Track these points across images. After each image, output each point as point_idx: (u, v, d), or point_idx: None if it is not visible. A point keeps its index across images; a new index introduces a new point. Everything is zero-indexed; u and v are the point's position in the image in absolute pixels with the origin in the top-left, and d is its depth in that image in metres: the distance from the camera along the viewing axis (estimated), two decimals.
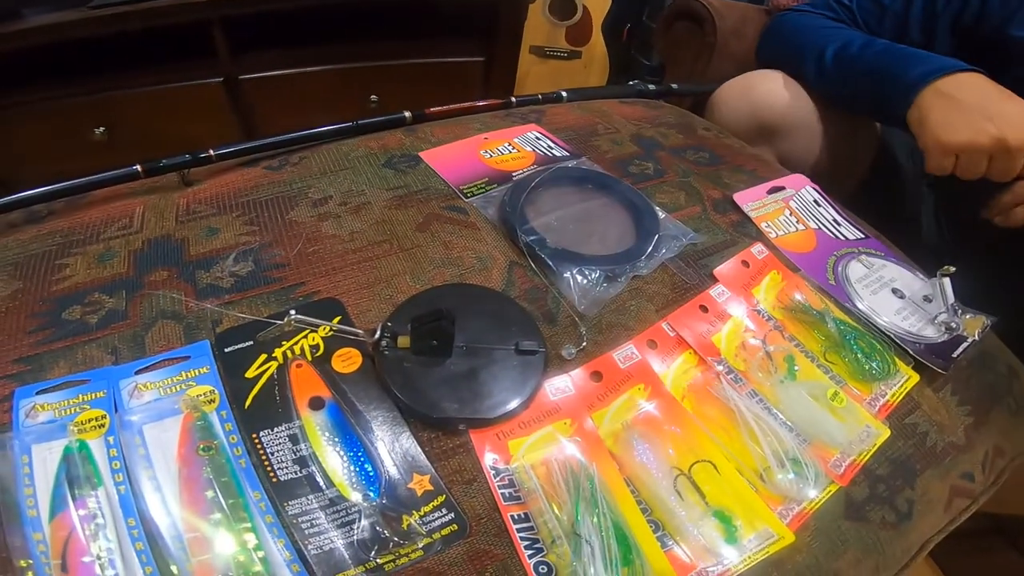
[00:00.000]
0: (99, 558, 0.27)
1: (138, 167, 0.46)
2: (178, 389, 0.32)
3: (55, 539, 0.28)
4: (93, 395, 0.31)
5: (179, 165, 0.47)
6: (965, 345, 0.44)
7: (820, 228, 0.51)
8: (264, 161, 0.51)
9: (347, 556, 0.28)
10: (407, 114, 0.58)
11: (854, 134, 0.67)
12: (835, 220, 0.52)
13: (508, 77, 1.33)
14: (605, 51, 1.63)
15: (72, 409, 0.31)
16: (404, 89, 1.22)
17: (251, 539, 0.28)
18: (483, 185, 0.48)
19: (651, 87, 0.75)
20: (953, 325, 0.45)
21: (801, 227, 0.50)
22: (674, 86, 0.80)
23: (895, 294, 0.46)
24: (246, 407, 0.32)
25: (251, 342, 0.34)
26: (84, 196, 0.46)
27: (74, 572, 0.27)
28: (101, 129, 1.09)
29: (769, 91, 0.65)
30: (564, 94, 0.68)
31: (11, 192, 0.44)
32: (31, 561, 0.27)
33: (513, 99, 0.65)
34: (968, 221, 0.59)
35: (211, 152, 0.49)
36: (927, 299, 0.46)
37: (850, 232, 0.51)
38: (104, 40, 1.02)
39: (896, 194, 0.71)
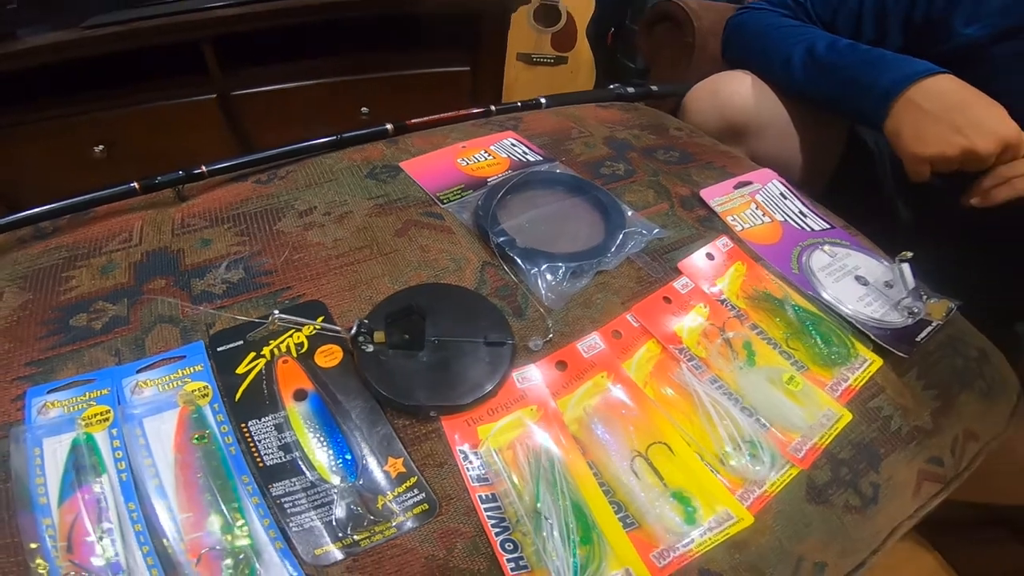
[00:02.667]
0: (101, 538, 0.31)
1: (135, 184, 0.50)
2: (175, 386, 0.36)
3: (62, 523, 0.31)
4: (98, 392, 0.35)
5: (174, 182, 0.52)
6: (929, 329, 0.46)
7: (786, 220, 0.54)
8: (254, 176, 0.55)
9: (326, 533, 0.31)
10: (389, 126, 0.62)
11: (822, 129, 0.70)
12: (801, 212, 0.55)
13: (495, 85, 1.38)
14: (591, 55, 1.68)
15: (79, 405, 0.35)
16: (394, 100, 1.27)
17: (238, 518, 0.31)
18: (459, 191, 0.52)
19: (630, 90, 0.78)
20: (915, 310, 0.47)
21: (767, 220, 0.53)
22: (654, 88, 0.83)
23: (858, 281, 0.49)
24: (236, 400, 0.35)
25: (241, 342, 0.38)
26: (87, 212, 0.50)
27: (78, 552, 0.31)
28: (100, 147, 1.14)
29: (735, 92, 0.68)
30: (543, 100, 0.72)
31: (16, 208, 0.48)
32: (39, 544, 0.31)
33: (492, 108, 0.68)
34: (939, 204, 0.61)
35: (203, 168, 0.53)
36: (889, 285, 0.49)
37: (816, 223, 0.54)
38: (100, 59, 1.07)
39: (869, 181, 0.73)
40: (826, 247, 0.51)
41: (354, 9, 1.13)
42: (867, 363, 0.44)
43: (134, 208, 0.51)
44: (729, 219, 0.52)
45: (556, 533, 0.31)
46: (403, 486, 0.33)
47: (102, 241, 0.46)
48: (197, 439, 0.34)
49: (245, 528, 0.31)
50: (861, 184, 0.73)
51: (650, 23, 1.20)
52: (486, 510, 0.32)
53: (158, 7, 1.09)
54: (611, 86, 0.78)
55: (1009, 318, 0.68)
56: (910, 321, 0.47)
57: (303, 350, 0.38)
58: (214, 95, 1.16)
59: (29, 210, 0.48)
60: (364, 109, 1.25)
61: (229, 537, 0.31)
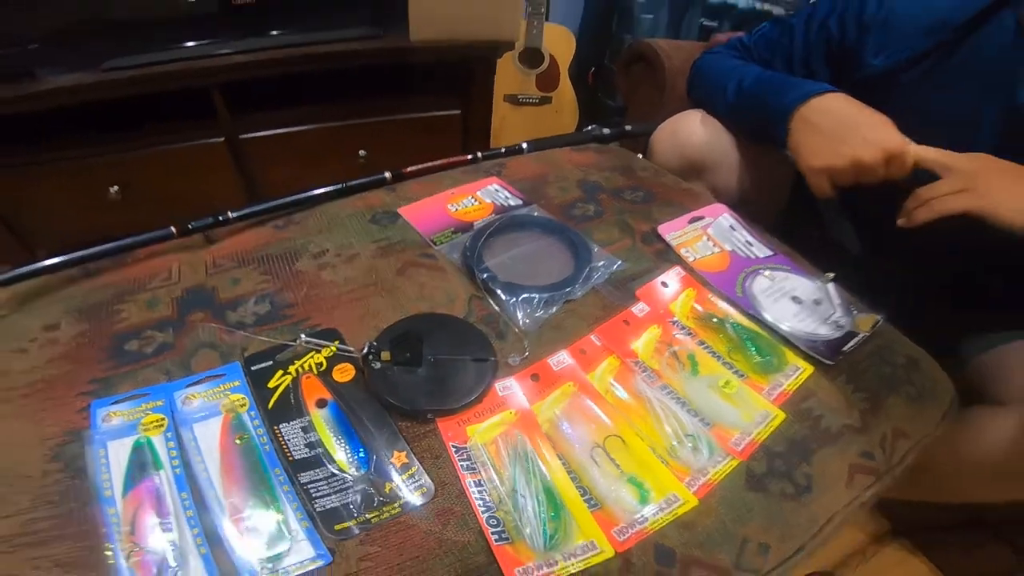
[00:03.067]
0: (159, 523, 0.38)
1: (173, 229, 0.59)
2: (218, 397, 0.43)
3: (126, 511, 0.39)
4: (154, 404, 0.43)
5: (205, 227, 0.60)
6: (855, 340, 0.54)
7: (734, 250, 0.63)
8: (272, 221, 0.64)
9: (344, 513, 0.38)
10: (388, 174, 0.71)
11: (771, 162, 0.76)
12: (748, 242, 0.64)
13: (483, 127, 1.47)
14: (573, 95, 1.79)
15: (138, 414, 0.42)
16: (390, 143, 1.35)
17: (273, 502, 0.39)
18: (450, 234, 0.61)
19: (605, 131, 0.87)
20: (841, 323, 0.55)
21: (717, 250, 0.62)
22: (627, 128, 0.89)
23: (794, 301, 0.57)
24: (269, 408, 0.43)
25: (271, 362, 0.46)
26: (128, 253, 0.59)
27: (140, 534, 0.38)
28: (115, 188, 1.20)
29: (691, 131, 0.76)
30: (524, 146, 0.80)
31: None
32: (106, 529, 0.38)
33: (479, 154, 0.77)
34: (879, 231, 0.70)
35: (230, 214, 0.62)
36: (818, 303, 0.57)
37: (760, 251, 0.63)
38: (114, 101, 1.12)
39: (817, 211, 0.81)
40: (767, 272, 0.60)
41: (353, 58, 1.22)
42: (800, 371, 0.52)
43: (168, 250, 0.60)
44: (683, 251, 0.61)
45: (530, 510, 0.39)
46: (406, 474, 0.40)
47: (145, 279, 0.55)
48: (238, 440, 0.41)
49: (278, 510, 0.38)
50: (809, 215, 0.81)
51: (626, 63, 1.30)
52: (474, 493, 0.40)
53: (172, 52, 1.17)
54: (588, 128, 0.87)
55: (952, 338, 0.74)
56: (839, 334, 0.55)
57: (322, 368, 0.46)
58: (223, 138, 1.24)
59: (77, 252, 0.57)
60: (362, 152, 1.34)
61: (265, 517, 0.38)
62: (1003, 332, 0.64)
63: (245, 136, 1.27)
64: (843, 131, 0.60)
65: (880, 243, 0.76)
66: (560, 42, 1.74)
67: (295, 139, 1.31)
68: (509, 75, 1.71)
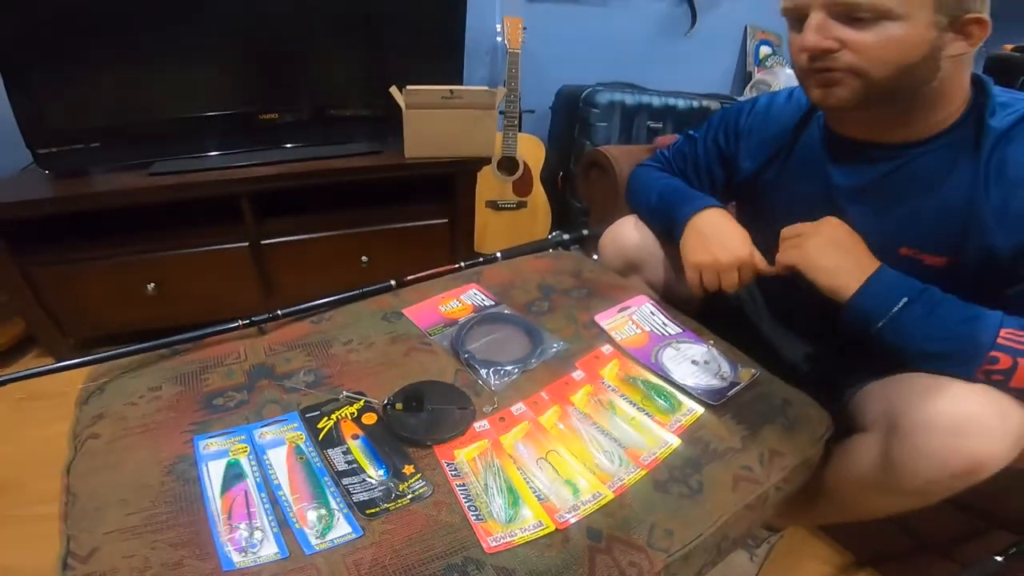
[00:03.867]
0: (247, 512, 0.57)
1: (240, 322, 0.82)
2: (283, 434, 0.64)
3: (223, 506, 0.57)
4: (239, 438, 0.63)
5: (263, 320, 0.84)
6: (737, 388, 0.76)
7: (651, 330, 0.86)
8: (309, 318, 0.88)
9: (371, 503, 0.58)
10: (392, 282, 0.97)
11: None
12: (663, 323, 0.88)
13: (467, 233, 1.68)
14: (546, 199, 2.00)
15: (228, 445, 0.62)
16: (387, 249, 1.57)
17: (321, 497, 0.58)
18: (441, 328, 0.85)
19: (566, 237, 1.13)
20: (726, 376, 0.77)
21: (638, 331, 0.86)
22: (585, 232, 1.16)
23: (693, 363, 0.80)
24: (319, 439, 0.64)
25: (319, 412, 0.67)
26: (205, 339, 0.81)
27: (232, 521, 0.56)
28: (152, 285, 1.38)
29: (627, 235, 0.95)
30: (499, 255, 1.07)
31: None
32: (208, 519, 0.56)
33: (463, 264, 1.03)
34: (779, 305, 0.92)
35: (279, 312, 0.86)
36: (707, 363, 0.80)
37: (672, 329, 0.87)
38: (155, 205, 1.30)
39: (735, 297, 0.97)
40: (675, 344, 0.83)
41: (360, 173, 1.46)
42: (695, 411, 0.72)
43: (233, 338, 0.82)
44: (613, 333, 0.85)
45: (496, 500, 0.59)
46: (413, 479, 0.60)
47: (221, 357, 0.77)
48: (298, 459, 0.61)
49: (326, 503, 0.57)
50: (731, 303, 0.99)
51: (585, 169, 1.51)
52: (459, 490, 0.60)
53: (213, 159, 1.39)
54: (552, 234, 1.13)
55: (836, 391, 0.83)
56: (724, 384, 0.76)
57: (355, 416, 0.68)
58: (247, 243, 1.43)
59: (171, 337, 0.79)
60: (364, 258, 1.56)
61: (317, 507, 0.57)
62: (868, 377, 0.76)
63: (267, 242, 1.46)
64: (711, 239, 0.78)
65: (781, 315, 0.96)
66: (532, 150, 1.96)
67: (308, 245, 1.51)
68: (489, 183, 1.92)
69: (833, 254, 0.69)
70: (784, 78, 2.04)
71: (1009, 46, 1.93)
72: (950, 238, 0.68)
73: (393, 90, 1.42)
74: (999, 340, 0.59)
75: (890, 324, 0.65)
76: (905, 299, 0.64)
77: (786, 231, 0.74)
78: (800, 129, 0.81)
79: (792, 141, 0.82)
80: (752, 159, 0.87)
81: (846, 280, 0.67)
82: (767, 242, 0.78)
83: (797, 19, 0.65)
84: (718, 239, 0.78)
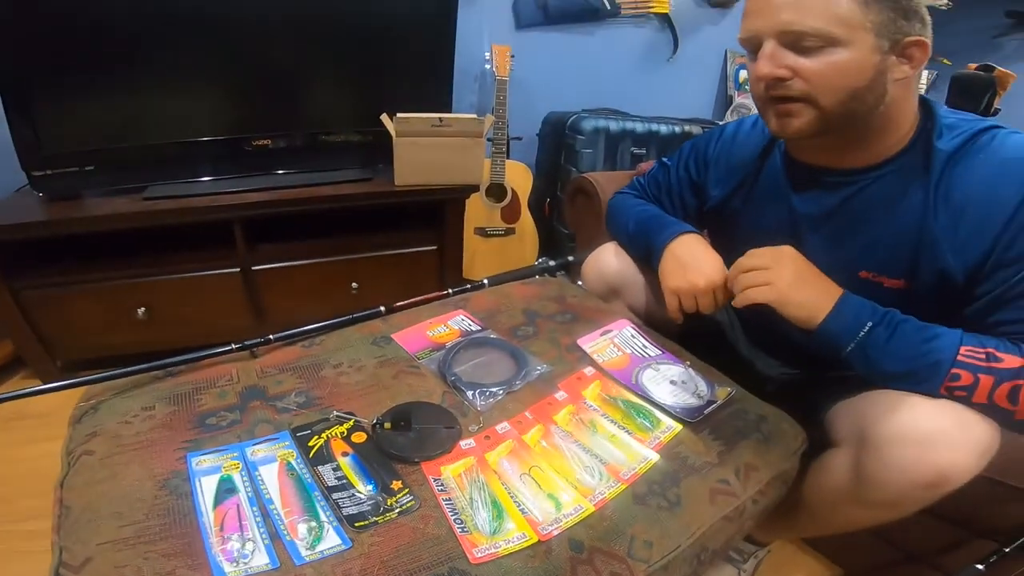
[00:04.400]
0: (240, 526, 0.59)
1: (233, 345, 0.85)
2: (275, 451, 0.67)
3: (216, 519, 0.60)
4: (231, 455, 0.66)
5: (255, 344, 0.87)
6: (714, 406, 0.80)
7: (632, 352, 0.90)
8: (300, 342, 0.91)
9: (360, 516, 0.60)
10: (382, 308, 1.00)
11: None
12: (643, 345, 0.92)
13: (456, 260, 1.72)
14: (534, 225, 2.04)
15: (220, 460, 0.65)
16: (377, 276, 1.60)
17: (312, 511, 0.60)
18: (429, 352, 0.89)
19: (551, 263, 1.18)
20: (702, 395, 0.81)
21: (619, 353, 0.90)
22: (570, 258, 1.20)
23: (672, 383, 0.84)
24: (310, 456, 0.66)
25: (309, 431, 0.70)
26: (198, 361, 0.84)
27: (224, 533, 0.58)
28: (142, 309, 1.39)
29: (608, 261, 1.00)
30: (486, 281, 1.11)
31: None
32: (201, 531, 0.59)
33: (450, 291, 1.07)
34: (759, 335, 0.97)
35: (270, 336, 0.89)
36: (685, 382, 0.85)
37: (652, 351, 0.91)
38: (148, 229, 1.31)
39: (714, 321, 1.01)
40: (653, 365, 0.88)
41: (350, 200, 1.49)
42: (673, 428, 0.76)
43: (224, 361, 0.85)
44: (595, 356, 0.89)
45: (481, 512, 0.62)
46: (401, 493, 0.63)
47: (214, 379, 0.80)
48: (289, 476, 0.64)
49: (316, 516, 0.60)
50: (712, 321, 1.03)
51: (571, 196, 1.55)
52: (445, 504, 0.63)
53: (206, 184, 1.40)
54: (537, 261, 1.17)
55: (810, 408, 0.86)
56: (701, 402, 0.80)
57: (345, 434, 0.70)
58: (238, 269, 1.45)
59: (165, 360, 0.82)
60: (354, 284, 1.59)
61: (308, 521, 0.60)
62: (840, 394, 0.80)
63: (258, 268, 1.48)
64: (688, 262, 0.83)
65: (756, 337, 1.01)
66: (520, 177, 2.01)
67: (299, 271, 1.54)
68: (478, 210, 1.97)
69: (803, 288, 0.72)
70: None
71: (973, 65, 2.04)
72: (906, 261, 0.72)
73: (384, 118, 1.48)
74: (959, 358, 0.64)
75: (857, 349, 0.69)
76: (870, 323, 0.68)
77: (743, 262, 0.77)
78: (763, 157, 0.86)
79: (757, 169, 0.87)
80: (720, 187, 0.91)
81: (814, 311, 0.71)
82: None
83: (753, 49, 0.70)
84: (695, 265, 0.82)
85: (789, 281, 0.72)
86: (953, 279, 0.69)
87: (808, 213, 0.80)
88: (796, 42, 0.65)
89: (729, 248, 0.88)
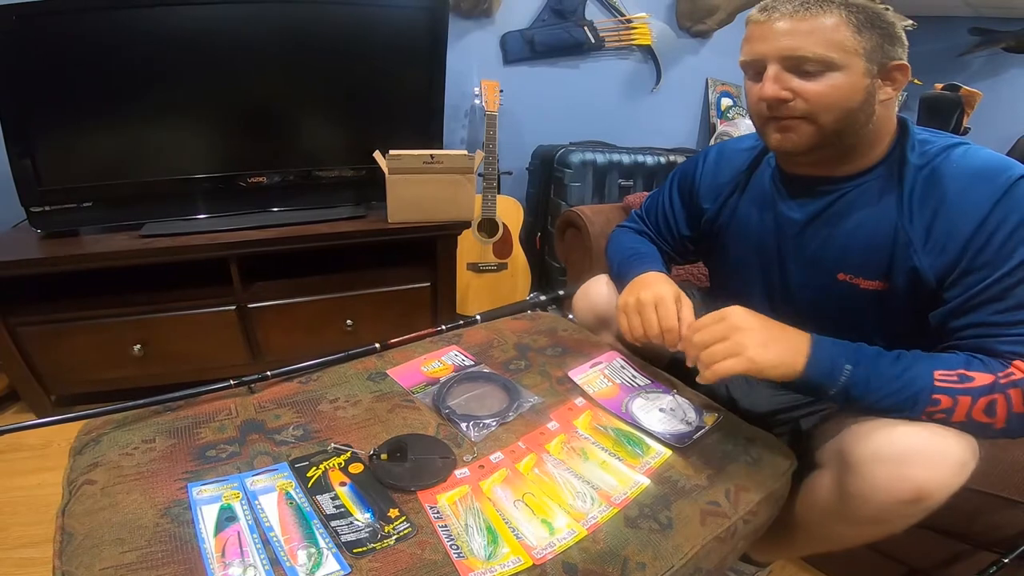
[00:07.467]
0: (241, 552, 0.64)
1: (232, 381, 0.91)
2: (274, 481, 0.72)
3: (217, 545, 0.65)
4: (231, 485, 0.71)
5: (253, 381, 0.93)
6: (702, 431, 0.85)
7: (622, 383, 0.97)
8: (298, 378, 0.97)
9: (358, 542, 0.65)
10: (377, 345, 1.07)
11: None
12: (633, 375, 0.98)
13: (449, 296, 1.79)
14: (525, 260, 2.12)
15: (221, 490, 0.70)
16: (371, 313, 1.66)
17: (311, 538, 0.66)
18: (423, 387, 0.95)
19: (542, 298, 1.25)
20: (690, 421, 0.88)
21: (609, 384, 0.96)
22: (560, 292, 1.28)
23: (661, 411, 0.90)
24: (309, 486, 0.72)
25: (308, 462, 0.76)
26: (197, 397, 0.90)
27: (225, 560, 0.64)
28: (138, 346, 1.44)
29: (598, 293, 1.08)
30: (478, 317, 1.18)
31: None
32: (202, 557, 0.64)
33: (444, 327, 1.14)
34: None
35: (268, 373, 0.95)
36: (673, 410, 0.91)
37: (641, 381, 0.97)
38: (144, 267, 1.37)
39: None
40: (643, 394, 0.94)
41: (345, 237, 1.57)
42: (663, 454, 0.82)
43: (224, 396, 0.91)
44: (585, 387, 0.95)
45: (476, 538, 0.67)
46: (398, 521, 0.68)
47: (213, 414, 0.85)
48: (289, 504, 0.70)
49: (315, 543, 0.65)
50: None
51: (561, 229, 1.62)
52: (441, 531, 0.68)
53: (202, 221, 1.47)
54: (529, 296, 1.25)
55: (798, 430, 0.95)
56: (690, 428, 0.86)
57: (342, 465, 0.76)
58: (234, 306, 1.51)
59: (164, 396, 0.87)
60: (349, 322, 1.65)
61: (307, 548, 0.65)
62: (825, 416, 0.87)
63: (253, 305, 1.55)
64: (639, 285, 0.92)
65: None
66: (511, 212, 2.10)
67: (294, 309, 1.61)
68: (470, 245, 2.05)
69: (772, 347, 0.73)
70: (744, 127, 2.18)
71: (939, 85, 2.16)
72: (881, 264, 0.80)
73: (376, 155, 1.57)
74: (936, 383, 0.70)
75: (840, 393, 0.74)
76: (848, 366, 0.72)
77: (696, 340, 0.78)
78: (751, 171, 0.97)
79: (745, 181, 0.97)
80: (711, 200, 1.01)
81: (791, 366, 0.74)
82: (728, 284, 0.93)
83: (755, 72, 0.79)
84: (645, 285, 0.91)
85: (756, 344, 0.73)
86: (925, 280, 0.76)
87: (792, 217, 0.89)
88: (798, 66, 0.75)
89: (722, 260, 0.97)
